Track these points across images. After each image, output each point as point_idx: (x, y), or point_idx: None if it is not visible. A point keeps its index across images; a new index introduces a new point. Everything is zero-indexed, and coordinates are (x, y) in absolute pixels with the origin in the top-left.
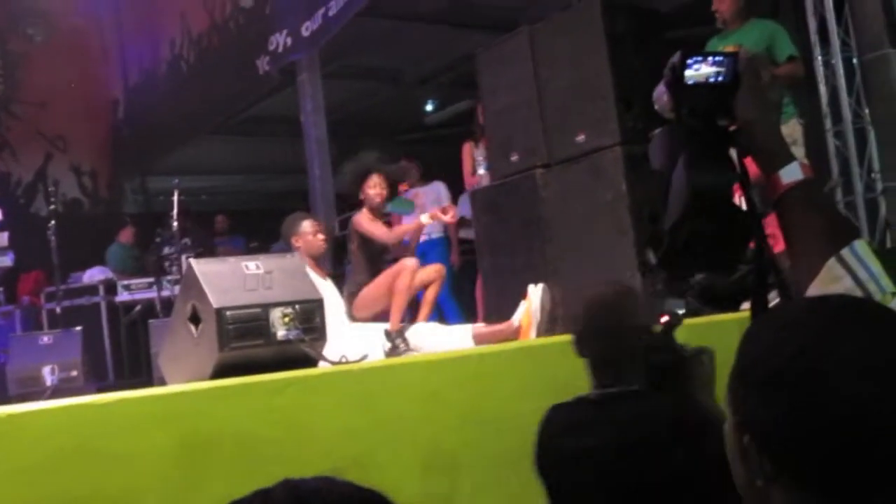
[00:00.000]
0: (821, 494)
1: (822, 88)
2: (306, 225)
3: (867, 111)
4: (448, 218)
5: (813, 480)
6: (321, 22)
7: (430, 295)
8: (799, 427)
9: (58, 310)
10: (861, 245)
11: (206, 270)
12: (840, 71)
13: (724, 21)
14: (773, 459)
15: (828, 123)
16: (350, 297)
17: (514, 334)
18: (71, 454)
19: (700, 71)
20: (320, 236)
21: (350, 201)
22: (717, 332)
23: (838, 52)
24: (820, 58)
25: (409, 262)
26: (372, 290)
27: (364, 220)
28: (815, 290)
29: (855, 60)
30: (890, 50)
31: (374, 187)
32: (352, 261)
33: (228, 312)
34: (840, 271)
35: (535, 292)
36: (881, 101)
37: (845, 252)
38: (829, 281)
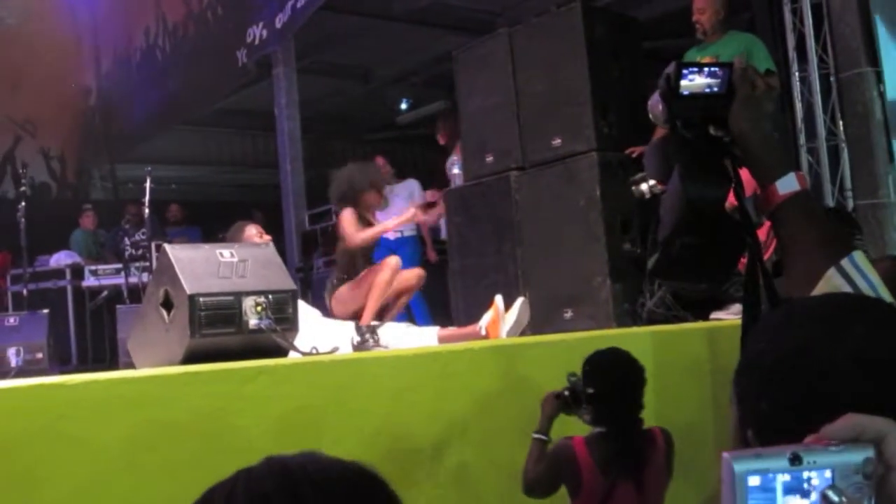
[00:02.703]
0: None
1: (798, 104)
2: (251, 230)
3: (842, 129)
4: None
5: None
6: (290, 13)
7: (403, 299)
8: (800, 422)
9: (24, 292)
10: (860, 256)
11: (181, 256)
12: (816, 87)
13: (703, 32)
14: None
15: (801, 139)
16: (331, 291)
17: (478, 336)
18: (36, 435)
19: (695, 82)
20: (266, 237)
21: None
22: (684, 340)
23: (815, 68)
24: (797, 73)
25: (393, 261)
26: (353, 288)
27: (346, 220)
28: None
29: (832, 78)
30: (867, 69)
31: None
32: (337, 257)
33: (201, 299)
34: (839, 281)
35: (514, 305)
36: (856, 120)
37: (845, 262)
38: (828, 290)
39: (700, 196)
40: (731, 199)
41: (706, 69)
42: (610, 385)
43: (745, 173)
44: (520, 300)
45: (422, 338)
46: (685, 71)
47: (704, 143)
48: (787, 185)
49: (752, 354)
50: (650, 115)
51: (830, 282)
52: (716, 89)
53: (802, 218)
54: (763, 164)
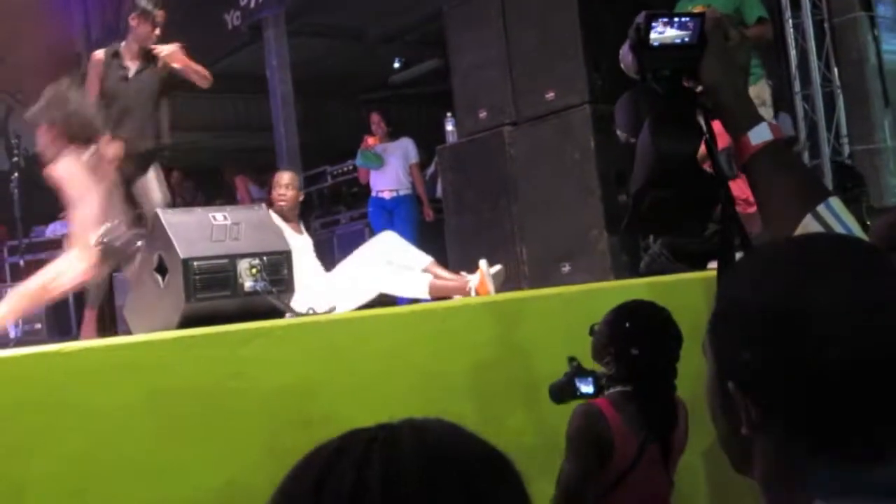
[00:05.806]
0: (809, 438)
1: (792, 51)
2: (275, 179)
3: (836, 75)
4: None
5: (801, 424)
6: None
7: None
8: (786, 369)
9: (21, 263)
10: (836, 202)
11: (174, 220)
12: (810, 34)
13: None
14: (759, 405)
15: (796, 86)
16: None
17: (467, 294)
18: (34, 404)
19: (665, 34)
20: (290, 192)
21: None
22: (682, 291)
23: (809, 14)
24: (790, 20)
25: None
26: None
27: None
28: None
29: (826, 24)
30: (861, 13)
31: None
32: None
33: (195, 263)
34: (816, 227)
35: (494, 274)
36: (850, 65)
37: (821, 208)
38: None
39: (671, 150)
40: (704, 152)
41: (677, 20)
42: (655, 343)
43: (717, 126)
44: (482, 263)
45: (414, 283)
46: (654, 23)
47: (676, 95)
48: (760, 135)
49: (728, 303)
50: (621, 65)
51: (807, 229)
52: (686, 39)
53: (776, 167)
54: (735, 116)
